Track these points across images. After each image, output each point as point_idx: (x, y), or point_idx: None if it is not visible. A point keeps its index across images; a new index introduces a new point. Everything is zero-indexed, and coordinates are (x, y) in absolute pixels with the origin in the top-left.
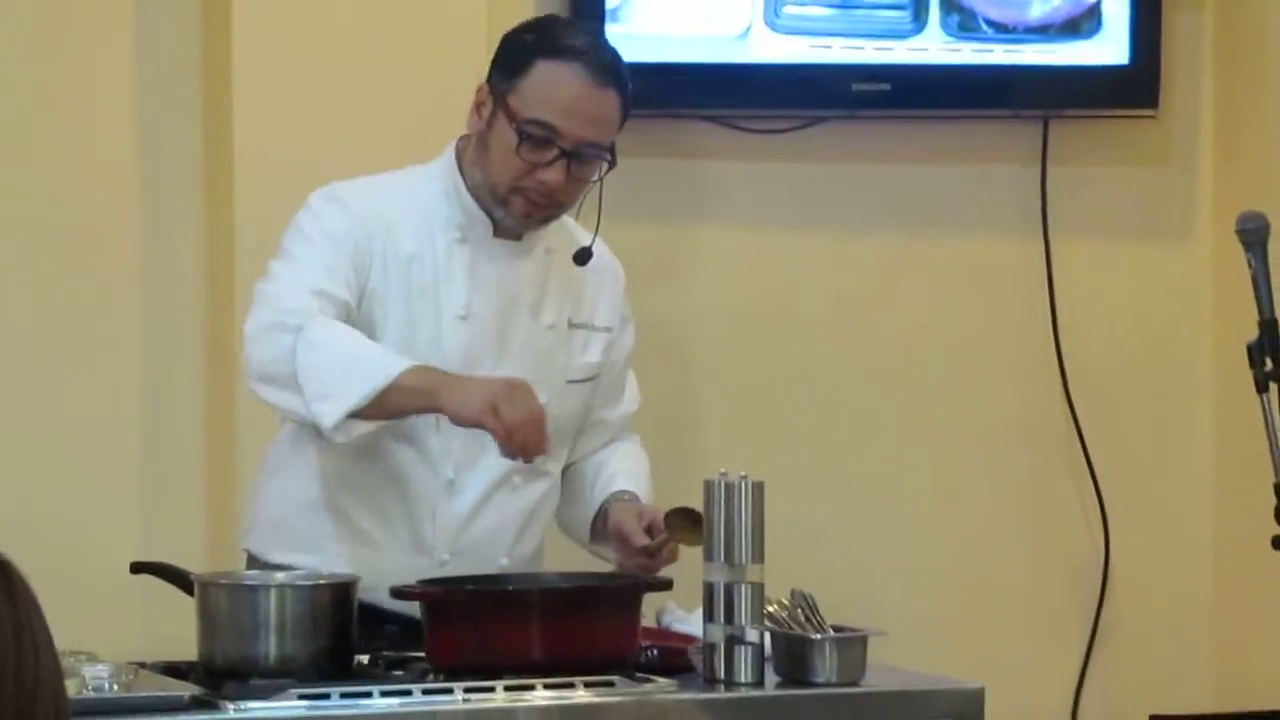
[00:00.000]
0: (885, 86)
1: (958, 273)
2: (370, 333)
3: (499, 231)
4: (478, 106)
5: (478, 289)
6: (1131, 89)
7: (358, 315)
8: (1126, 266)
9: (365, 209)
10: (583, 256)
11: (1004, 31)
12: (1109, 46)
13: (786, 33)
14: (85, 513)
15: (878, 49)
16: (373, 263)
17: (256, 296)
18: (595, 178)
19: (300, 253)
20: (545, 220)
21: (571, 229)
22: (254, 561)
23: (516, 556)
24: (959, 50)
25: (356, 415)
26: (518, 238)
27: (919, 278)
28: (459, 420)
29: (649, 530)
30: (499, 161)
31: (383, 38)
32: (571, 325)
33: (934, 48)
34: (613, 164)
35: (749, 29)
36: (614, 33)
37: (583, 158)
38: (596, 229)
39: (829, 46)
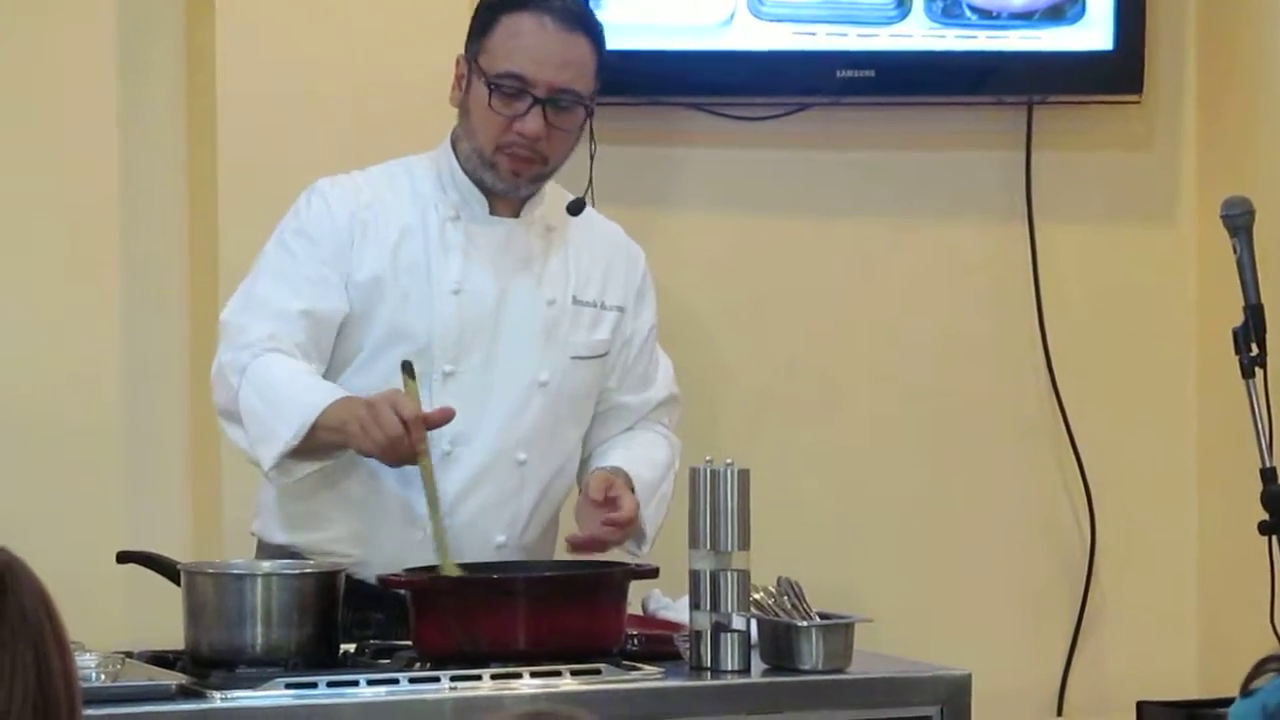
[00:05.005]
0: (870, 73)
1: (943, 258)
2: (365, 320)
3: (495, 210)
4: (457, 79)
5: (471, 264)
6: (1115, 74)
7: (348, 310)
8: (1111, 252)
9: (349, 200)
10: (576, 207)
11: (988, 17)
12: (1093, 32)
13: (770, 19)
14: (71, 503)
15: (862, 35)
16: (355, 251)
17: (221, 329)
18: (577, 126)
19: (277, 265)
20: (535, 179)
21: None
22: (261, 545)
23: (519, 538)
24: (943, 36)
25: (296, 454)
26: (515, 215)
27: (904, 264)
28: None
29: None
30: (479, 122)
31: (371, 30)
32: (577, 302)
33: (918, 34)
34: (591, 111)
35: (733, 16)
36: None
37: (558, 104)
38: (589, 184)
39: (813, 33)
